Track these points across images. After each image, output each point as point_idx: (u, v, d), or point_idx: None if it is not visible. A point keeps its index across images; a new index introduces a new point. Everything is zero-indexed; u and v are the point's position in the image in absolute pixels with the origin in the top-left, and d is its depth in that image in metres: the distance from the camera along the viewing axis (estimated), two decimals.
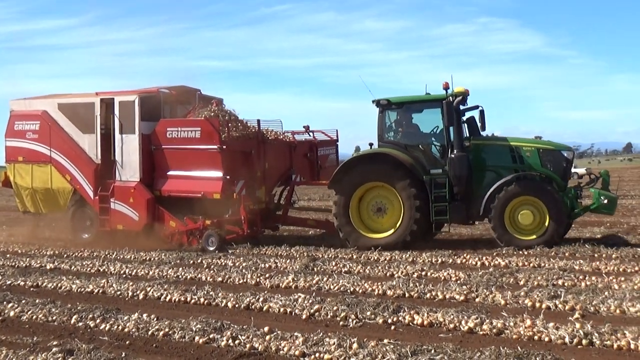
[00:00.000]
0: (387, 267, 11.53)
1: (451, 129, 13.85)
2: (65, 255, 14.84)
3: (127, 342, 7.50)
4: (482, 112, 14.03)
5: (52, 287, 11.09)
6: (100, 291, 10.53)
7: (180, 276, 11.69)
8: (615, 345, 6.63)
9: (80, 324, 8.35)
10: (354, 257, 13.15)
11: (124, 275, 11.99)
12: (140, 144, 15.51)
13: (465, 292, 9.17)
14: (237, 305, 9.11)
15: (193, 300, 9.59)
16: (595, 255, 12.15)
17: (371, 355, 6.44)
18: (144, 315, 8.41)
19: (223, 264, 12.89)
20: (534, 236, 13.20)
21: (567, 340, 6.84)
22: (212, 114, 15.30)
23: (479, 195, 13.66)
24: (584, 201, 14.36)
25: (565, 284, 9.57)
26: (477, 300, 8.92)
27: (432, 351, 6.47)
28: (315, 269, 11.87)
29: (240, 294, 9.65)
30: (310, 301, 8.93)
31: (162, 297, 9.87)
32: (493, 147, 14.16)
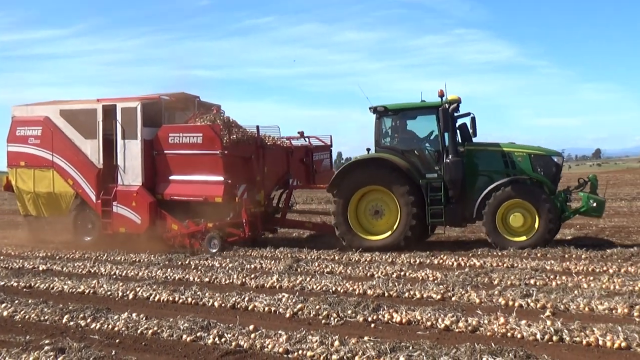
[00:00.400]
0: (367, 268, 11.55)
1: (446, 134, 13.87)
2: (57, 257, 14.72)
3: (117, 341, 7.46)
4: (473, 119, 14.07)
5: (45, 287, 10.99)
6: (91, 291, 10.46)
7: (168, 277, 11.63)
8: (584, 342, 6.69)
9: (71, 323, 8.29)
10: (336, 258, 13.16)
11: (114, 276, 11.92)
12: (142, 149, 15.47)
13: (442, 292, 9.20)
14: (223, 305, 9.10)
15: (181, 300, 9.55)
16: (566, 255, 12.24)
17: (352, 352, 6.45)
18: (134, 315, 8.36)
19: (210, 265, 12.85)
20: (524, 237, 13.26)
21: (538, 336, 6.90)
22: (213, 120, 15.30)
23: (473, 198, 13.68)
24: (572, 204, 14.40)
25: (537, 283, 9.64)
26: (453, 299, 8.95)
27: (410, 348, 6.48)
28: (298, 269, 11.86)
29: (227, 293, 9.62)
30: (293, 300, 8.92)
31: (151, 297, 9.82)
32: (486, 152, 14.16)
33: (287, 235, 17.57)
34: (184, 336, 7.38)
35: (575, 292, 8.85)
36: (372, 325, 7.80)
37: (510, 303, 8.49)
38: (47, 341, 7.30)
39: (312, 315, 8.31)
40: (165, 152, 15.40)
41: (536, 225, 13.18)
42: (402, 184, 13.76)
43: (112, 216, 15.79)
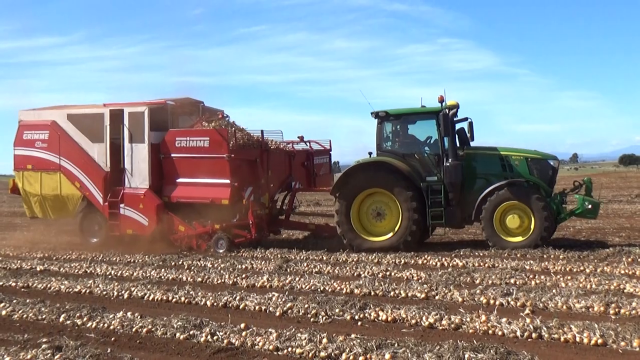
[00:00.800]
0: (354, 268, 11.55)
1: (446, 139, 13.87)
2: (54, 258, 14.64)
3: (113, 339, 7.43)
4: (471, 124, 14.09)
5: (42, 287, 10.93)
6: (88, 291, 10.41)
7: (162, 277, 11.59)
8: (562, 339, 6.73)
9: (68, 322, 8.26)
10: (324, 258, 13.16)
11: (110, 276, 11.86)
12: (149, 153, 15.40)
13: (426, 291, 9.22)
14: (215, 304, 9.08)
15: (174, 299, 9.52)
16: (544, 256, 12.29)
17: (340, 349, 6.46)
18: (129, 314, 8.34)
19: (203, 265, 12.80)
20: (521, 238, 13.27)
21: (518, 334, 6.93)
22: (220, 124, 15.28)
23: (471, 200, 13.70)
24: (568, 206, 14.44)
25: (517, 283, 9.68)
26: (436, 297, 8.97)
27: (396, 345, 6.50)
28: (288, 269, 11.85)
29: (219, 293, 9.61)
30: (283, 299, 8.92)
31: (146, 297, 9.78)
32: (484, 156, 14.14)
33: (277, 237, 17.57)
34: (178, 334, 7.36)
35: (554, 291, 8.89)
36: (359, 323, 7.81)
37: (492, 302, 8.51)
38: (44, 339, 7.27)
39: (301, 313, 8.31)
40: (172, 155, 15.31)
41: (532, 227, 13.22)
42: (403, 187, 13.76)
43: (120, 218, 15.70)
